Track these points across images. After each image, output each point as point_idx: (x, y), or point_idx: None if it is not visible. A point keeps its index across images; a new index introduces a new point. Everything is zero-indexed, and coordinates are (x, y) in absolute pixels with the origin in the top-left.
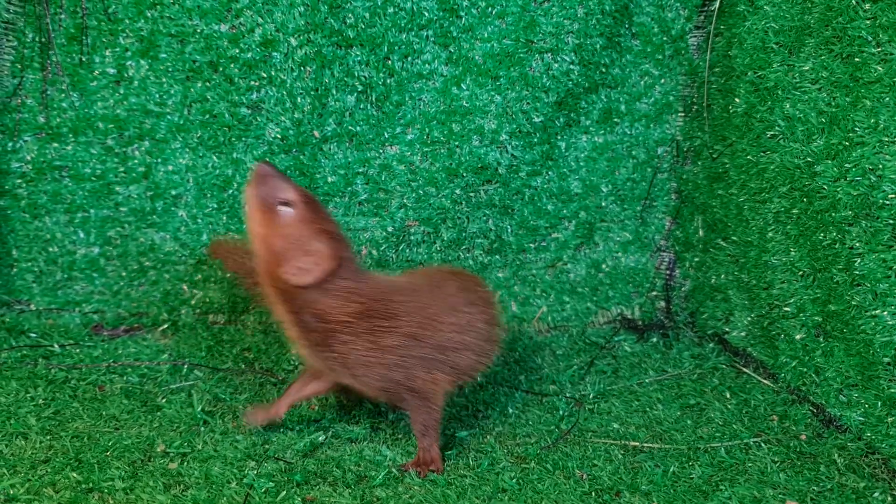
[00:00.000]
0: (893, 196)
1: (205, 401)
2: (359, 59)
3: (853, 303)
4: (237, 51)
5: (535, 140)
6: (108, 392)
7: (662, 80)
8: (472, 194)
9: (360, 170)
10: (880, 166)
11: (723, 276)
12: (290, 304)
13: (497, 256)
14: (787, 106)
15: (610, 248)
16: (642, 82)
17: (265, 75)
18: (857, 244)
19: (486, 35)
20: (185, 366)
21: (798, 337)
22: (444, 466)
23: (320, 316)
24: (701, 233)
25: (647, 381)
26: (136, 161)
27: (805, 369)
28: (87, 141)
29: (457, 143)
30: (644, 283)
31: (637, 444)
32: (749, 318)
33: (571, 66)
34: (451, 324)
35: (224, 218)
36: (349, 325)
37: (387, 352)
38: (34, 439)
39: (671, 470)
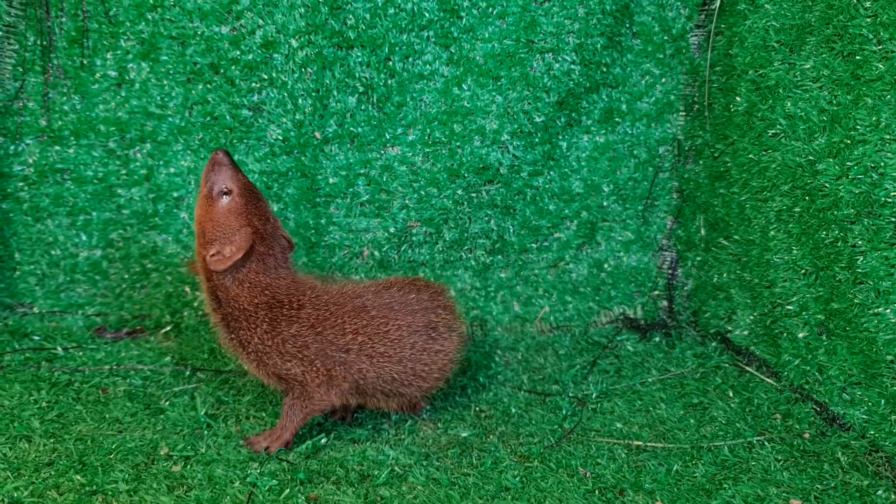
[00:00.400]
0: (895, 194)
1: (208, 404)
2: (360, 60)
3: (856, 301)
4: (238, 52)
5: (537, 140)
6: (112, 395)
7: (663, 80)
8: (473, 195)
9: (362, 171)
10: (882, 164)
11: (725, 274)
12: (210, 281)
13: (499, 257)
14: (789, 104)
15: (612, 248)
16: (643, 81)
17: (266, 77)
18: (860, 242)
19: (486, 35)
20: (188, 369)
21: (801, 335)
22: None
23: (229, 301)
24: (703, 232)
25: (649, 380)
26: (137, 163)
27: (808, 367)
28: (88, 143)
29: (458, 144)
30: (646, 282)
31: (640, 443)
32: (752, 317)
33: (572, 66)
34: (357, 325)
35: None
36: (253, 315)
37: (286, 341)
38: (38, 442)
39: (675, 469)
